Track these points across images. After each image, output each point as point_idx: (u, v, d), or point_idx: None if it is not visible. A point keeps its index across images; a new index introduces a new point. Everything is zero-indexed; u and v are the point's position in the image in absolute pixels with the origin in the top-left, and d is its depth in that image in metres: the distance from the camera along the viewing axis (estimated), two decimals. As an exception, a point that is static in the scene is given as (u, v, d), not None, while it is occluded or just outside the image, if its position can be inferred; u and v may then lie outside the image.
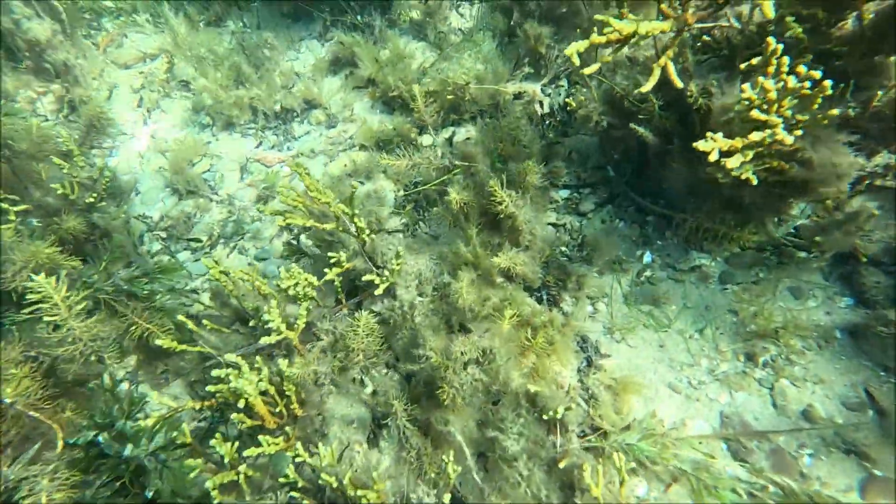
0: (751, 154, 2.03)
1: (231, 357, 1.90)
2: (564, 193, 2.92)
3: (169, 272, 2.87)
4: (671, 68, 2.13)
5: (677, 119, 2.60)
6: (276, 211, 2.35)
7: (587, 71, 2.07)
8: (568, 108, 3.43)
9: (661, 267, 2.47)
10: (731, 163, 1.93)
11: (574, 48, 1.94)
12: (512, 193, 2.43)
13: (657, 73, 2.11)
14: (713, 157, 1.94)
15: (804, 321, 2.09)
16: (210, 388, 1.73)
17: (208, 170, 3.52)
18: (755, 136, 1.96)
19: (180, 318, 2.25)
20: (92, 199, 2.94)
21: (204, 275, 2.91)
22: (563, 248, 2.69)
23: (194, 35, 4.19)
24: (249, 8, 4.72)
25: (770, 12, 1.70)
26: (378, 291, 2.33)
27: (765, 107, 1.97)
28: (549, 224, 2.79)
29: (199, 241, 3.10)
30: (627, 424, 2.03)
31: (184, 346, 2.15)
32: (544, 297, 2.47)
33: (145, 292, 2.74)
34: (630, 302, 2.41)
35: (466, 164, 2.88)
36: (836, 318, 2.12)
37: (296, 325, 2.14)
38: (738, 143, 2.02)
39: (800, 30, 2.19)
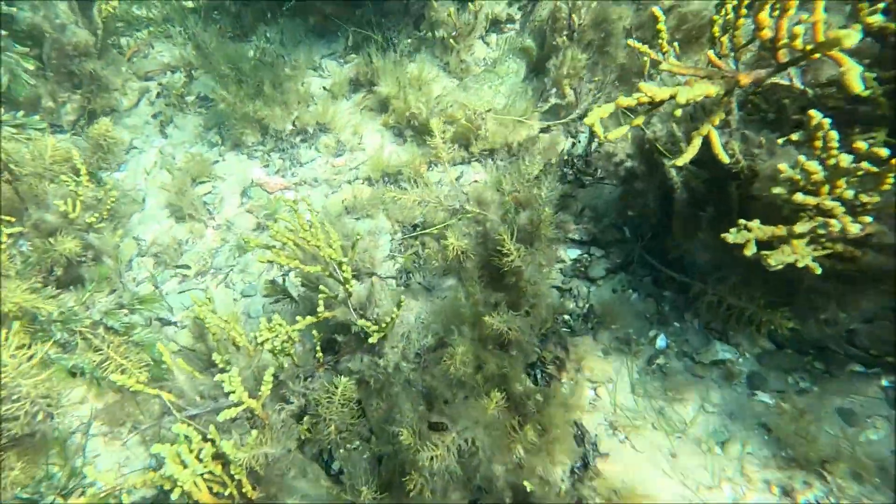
0: (801, 244, 1.68)
1: (179, 428, 1.73)
2: (573, 253, 2.62)
3: (148, 303, 2.77)
4: (715, 138, 1.81)
5: (710, 179, 2.26)
6: (261, 244, 2.19)
7: (612, 136, 1.78)
8: (594, 138, 3.12)
9: (677, 355, 2.13)
10: (774, 260, 1.60)
11: (596, 116, 1.66)
12: (521, 247, 2.17)
13: (697, 143, 1.79)
14: (749, 251, 1.61)
15: (861, 457, 1.70)
16: (136, 479, 1.55)
17: (210, 192, 3.43)
18: (800, 228, 1.61)
19: (159, 347, 2.12)
20: (93, 220, 2.87)
21: (188, 308, 2.79)
22: (567, 317, 2.39)
23: (220, 48, 4.13)
24: (276, 21, 4.65)
25: (858, 85, 1.36)
26: (372, 340, 2.14)
27: (811, 187, 1.62)
28: (552, 287, 2.50)
29: (188, 267, 2.99)
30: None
31: (140, 387, 2.01)
32: (538, 374, 2.18)
33: (123, 325, 2.64)
34: (638, 393, 2.09)
35: (477, 210, 2.62)
36: (905, 461, 1.72)
37: (260, 394, 1.96)
38: (780, 230, 1.67)
39: (880, 91, 1.82)
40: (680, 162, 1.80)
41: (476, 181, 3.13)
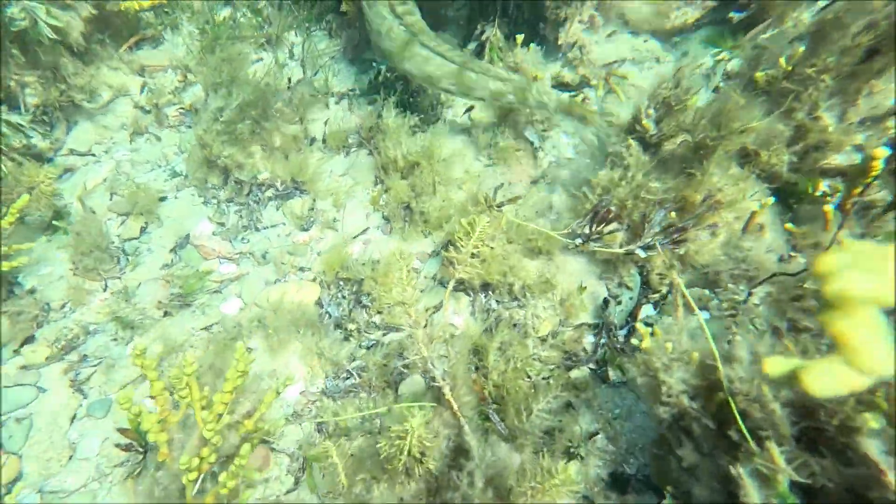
0: None
1: None
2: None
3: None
4: None
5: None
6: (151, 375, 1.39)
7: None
8: (648, 297, 2.12)
9: None
10: None
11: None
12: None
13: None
14: None
15: None
16: None
17: (136, 237, 2.71)
18: None
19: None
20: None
21: (13, 412, 2.03)
22: None
23: (224, 52, 3.48)
24: (310, 35, 3.99)
25: None
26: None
27: None
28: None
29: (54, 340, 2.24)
30: None
31: None
32: None
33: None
34: None
35: (450, 397, 1.67)
36: None
37: None
38: None
39: None
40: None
41: (453, 324, 2.20)
